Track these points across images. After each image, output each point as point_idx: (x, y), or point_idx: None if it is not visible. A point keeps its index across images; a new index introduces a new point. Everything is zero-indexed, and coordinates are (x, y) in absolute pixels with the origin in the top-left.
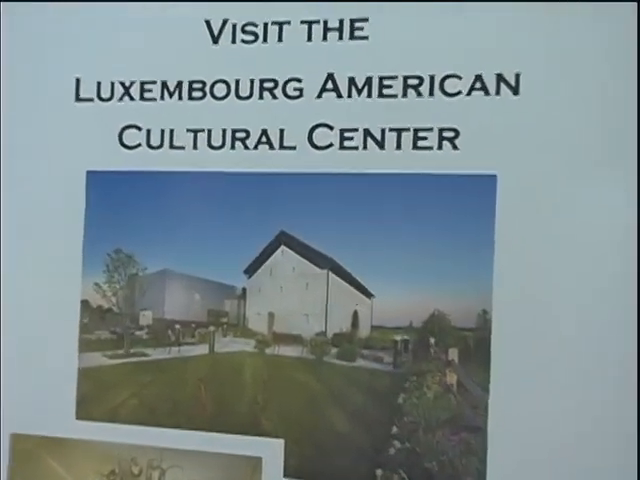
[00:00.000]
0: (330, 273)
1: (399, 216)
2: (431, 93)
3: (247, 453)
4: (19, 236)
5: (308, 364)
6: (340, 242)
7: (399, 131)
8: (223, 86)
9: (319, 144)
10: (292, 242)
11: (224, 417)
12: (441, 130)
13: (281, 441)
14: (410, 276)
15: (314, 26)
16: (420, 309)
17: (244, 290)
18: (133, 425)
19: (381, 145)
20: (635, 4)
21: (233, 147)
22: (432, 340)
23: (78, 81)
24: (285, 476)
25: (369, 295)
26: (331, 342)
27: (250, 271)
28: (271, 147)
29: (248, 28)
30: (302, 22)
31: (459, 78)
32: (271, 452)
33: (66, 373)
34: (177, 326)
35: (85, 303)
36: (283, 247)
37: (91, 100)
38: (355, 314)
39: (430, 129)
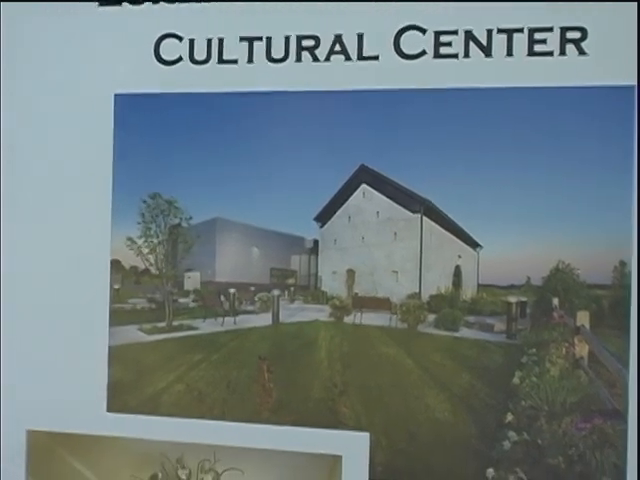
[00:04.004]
0: (424, 218)
1: (511, 143)
2: None
3: (323, 451)
4: (35, 181)
5: (398, 335)
6: (437, 178)
7: (509, 33)
8: None
9: (408, 52)
10: (376, 180)
11: (293, 405)
12: (564, 30)
13: (365, 434)
14: (526, 220)
15: None
16: (540, 262)
17: (316, 242)
18: (179, 418)
19: (487, 51)
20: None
21: (299, 59)
22: (556, 301)
23: None
24: (371, 478)
25: (474, 245)
26: (427, 307)
27: (323, 218)
28: (347, 58)
29: None
30: None
31: None
32: (353, 448)
33: (94, 353)
34: (232, 290)
35: (116, 264)
36: (364, 186)
37: (118, 3)
38: (457, 270)
39: (550, 29)
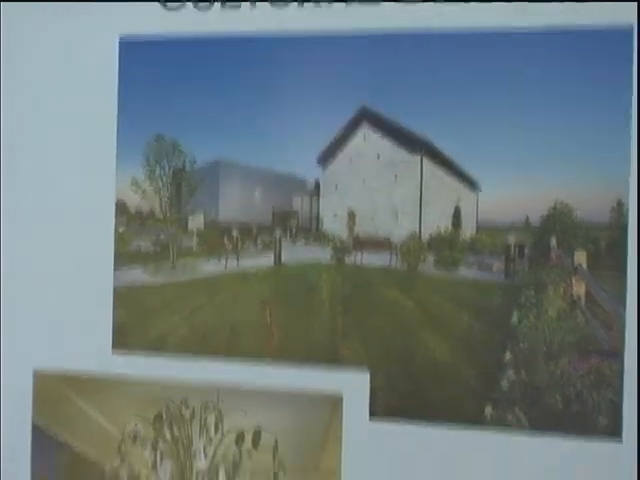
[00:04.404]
0: (424, 159)
1: (509, 85)
2: None
3: (324, 390)
4: (39, 123)
5: (398, 276)
6: (436, 119)
7: None
8: None
9: None
10: (376, 121)
11: (295, 346)
12: None
13: (366, 374)
14: (525, 162)
15: None
16: (538, 202)
17: (317, 184)
18: (183, 358)
19: None
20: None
21: (301, 2)
22: (554, 241)
23: None
24: (372, 416)
25: (474, 186)
26: (427, 247)
27: (324, 161)
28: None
29: None
30: None
31: None
32: (354, 388)
33: (99, 295)
34: (234, 232)
35: (121, 206)
36: (365, 128)
37: None
38: (457, 211)
39: None
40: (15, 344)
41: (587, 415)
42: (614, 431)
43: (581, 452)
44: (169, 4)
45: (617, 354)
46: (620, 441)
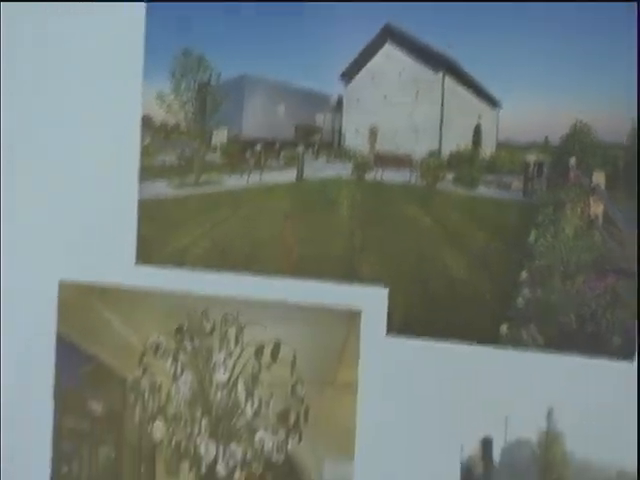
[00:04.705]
0: (446, 77)
1: (533, 3)
2: None
3: (343, 305)
4: (67, 38)
5: (418, 193)
6: (459, 37)
7: None
8: None
9: None
10: (399, 38)
11: (315, 261)
12: None
13: (384, 290)
14: (546, 81)
15: None
16: (558, 121)
17: (340, 100)
18: (204, 271)
19: None
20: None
21: None
22: (572, 161)
23: None
24: (389, 332)
25: (494, 104)
26: (447, 164)
27: (347, 77)
28: None
29: None
30: None
31: None
32: (372, 304)
33: (124, 207)
34: (257, 146)
35: (147, 120)
36: (388, 45)
37: None
38: (477, 129)
39: None
40: (41, 256)
41: (601, 334)
42: (628, 351)
43: (594, 371)
44: None
45: (633, 274)
46: (633, 361)
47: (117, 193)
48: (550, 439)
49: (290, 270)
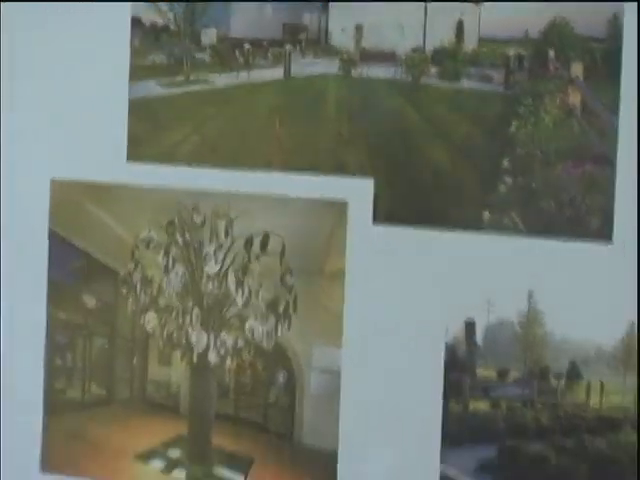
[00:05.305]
0: None
1: None
2: None
3: (330, 196)
4: None
5: (402, 87)
6: None
7: None
8: None
9: None
10: None
11: (302, 155)
12: None
13: (370, 181)
14: None
15: None
16: (538, 16)
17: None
18: (195, 167)
19: None
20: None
21: None
22: (552, 53)
23: None
24: (375, 222)
25: (477, 0)
26: (430, 59)
27: None
28: None
29: None
30: None
31: None
32: (358, 194)
33: (115, 106)
34: (246, 45)
35: (136, 21)
36: None
37: None
38: (460, 24)
39: None
40: (32, 155)
41: (580, 218)
42: (605, 233)
43: (573, 253)
44: None
45: (609, 160)
46: (611, 242)
47: (108, 93)
48: (531, 319)
49: (279, 164)
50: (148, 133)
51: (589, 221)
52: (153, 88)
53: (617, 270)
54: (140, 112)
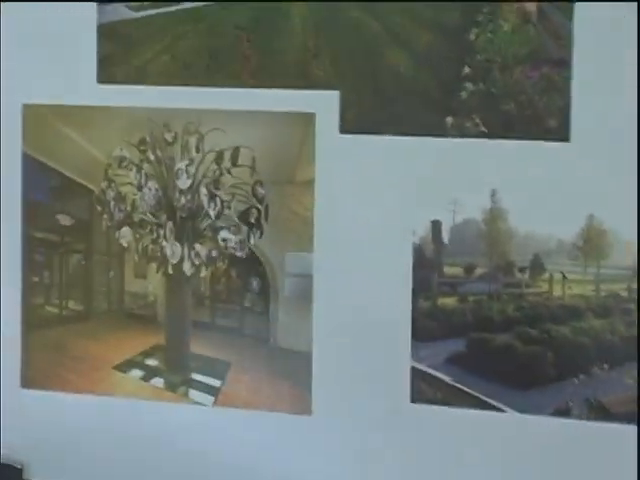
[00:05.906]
0: None
1: None
2: None
3: (298, 109)
4: None
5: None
6: None
7: None
8: None
9: None
10: None
11: (270, 70)
12: None
13: (335, 93)
14: None
15: None
16: None
17: None
18: (164, 86)
19: None
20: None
21: None
22: None
23: None
24: (342, 132)
25: None
26: None
27: None
28: None
29: None
30: None
31: None
32: (325, 106)
33: (84, 29)
34: None
35: None
36: None
37: None
38: None
39: None
40: (3, 80)
41: (539, 119)
42: (563, 132)
43: (533, 153)
44: None
45: (566, 62)
46: (569, 141)
47: (76, 16)
48: (494, 216)
49: (248, 79)
50: (118, 54)
51: (548, 121)
52: (122, 11)
53: (574, 167)
54: (109, 34)
